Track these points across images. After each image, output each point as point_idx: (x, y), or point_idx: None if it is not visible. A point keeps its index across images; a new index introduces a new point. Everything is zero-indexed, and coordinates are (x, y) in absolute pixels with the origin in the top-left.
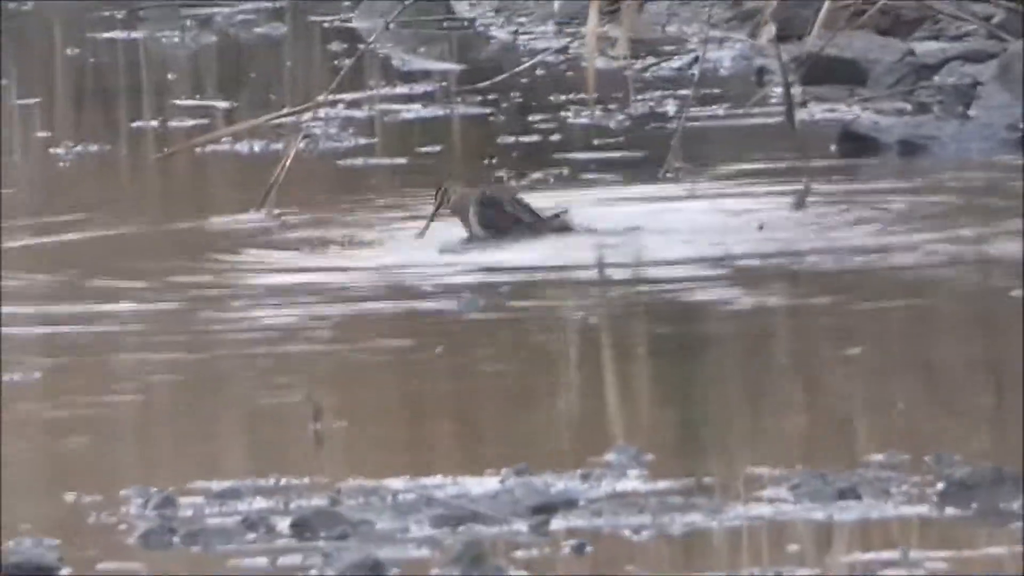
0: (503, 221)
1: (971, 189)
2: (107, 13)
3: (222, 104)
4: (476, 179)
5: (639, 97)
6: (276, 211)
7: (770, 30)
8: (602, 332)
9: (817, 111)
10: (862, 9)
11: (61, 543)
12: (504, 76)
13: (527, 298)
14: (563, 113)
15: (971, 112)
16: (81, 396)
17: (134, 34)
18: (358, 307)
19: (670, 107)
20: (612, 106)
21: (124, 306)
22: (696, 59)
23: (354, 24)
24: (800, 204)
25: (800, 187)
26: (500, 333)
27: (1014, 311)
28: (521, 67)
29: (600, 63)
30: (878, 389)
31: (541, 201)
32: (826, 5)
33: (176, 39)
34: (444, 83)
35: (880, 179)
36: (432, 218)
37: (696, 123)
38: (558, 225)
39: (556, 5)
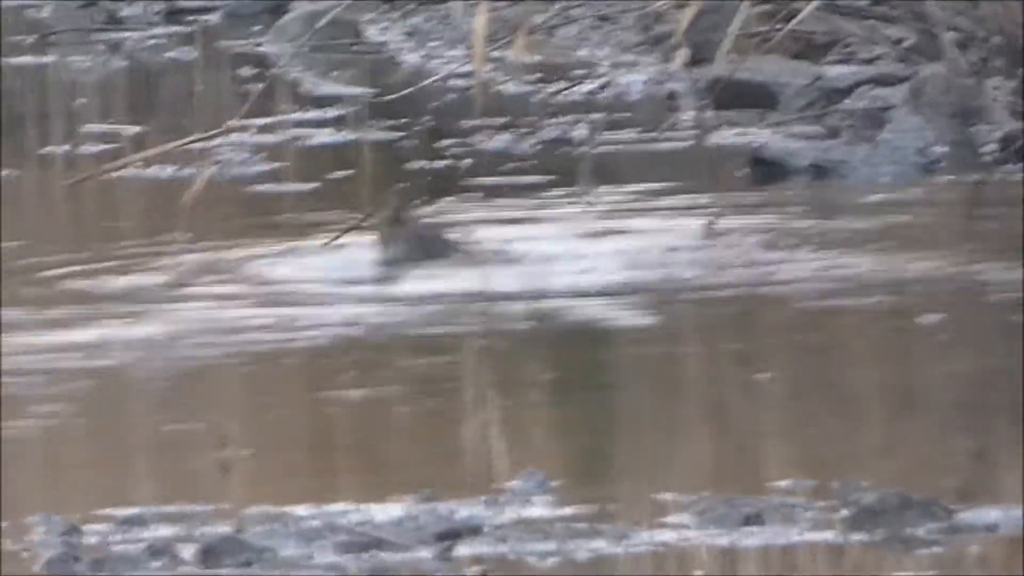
0: (412, 244)
1: (880, 212)
2: (16, 38)
3: (132, 129)
4: (390, 202)
5: (550, 121)
6: (187, 235)
7: (685, 54)
8: (507, 359)
9: (728, 135)
10: (772, 34)
11: None
12: (410, 90)
13: (432, 324)
14: (473, 138)
15: (882, 135)
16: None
17: (44, 59)
18: (262, 333)
19: (581, 131)
20: (523, 130)
21: (28, 334)
22: (607, 83)
23: (264, 48)
24: (711, 229)
25: (711, 212)
26: (405, 359)
27: (921, 336)
28: (427, 81)
29: (512, 87)
30: (785, 415)
31: (451, 226)
32: (733, 30)
33: (86, 64)
34: (355, 107)
35: (790, 203)
36: (349, 229)
37: (607, 147)
38: (467, 250)
39: (466, 29)
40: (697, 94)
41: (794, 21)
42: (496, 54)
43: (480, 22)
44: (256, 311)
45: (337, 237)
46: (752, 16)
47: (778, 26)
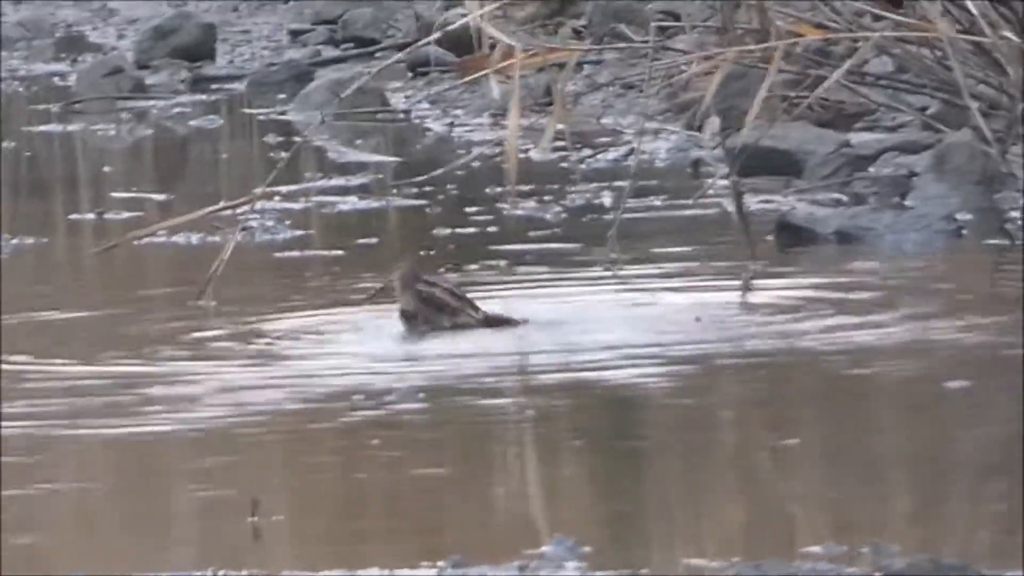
0: (436, 310)
1: (907, 279)
2: (42, 106)
3: (159, 197)
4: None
5: (575, 189)
6: (213, 303)
7: (714, 123)
8: (538, 424)
9: (753, 202)
10: (799, 101)
11: None
12: (440, 172)
13: (462, 391)
14: (499, 205)
15: (907, 203)
16: (14, 487)
17: (70, 127)
18: (293, 397)
19: (606, 199)
20: (548, 198)
21: (57, 394)
22: (632, 151)
23: (289, 116)
24: (745, 292)
25: (744, 277)
26: (436, 425)
27: (950, 402)
28: (457, 163)
29: (536, 156)
30: (815, 479)
31: (478, 292)
32: (759, 97)
33: (112, 132)
34: (380, 175)
35: (817, 269)
36: (371, 297)
37: (633, 215)
38: (494, 317)
39: (494, 95)
40: (723, 161)
41: (819, 89)
42: (523, 121)
43: (515, 100)
44: (285, 376)
45: (364, 302)
46: (779, 83)
47: (804, 94)
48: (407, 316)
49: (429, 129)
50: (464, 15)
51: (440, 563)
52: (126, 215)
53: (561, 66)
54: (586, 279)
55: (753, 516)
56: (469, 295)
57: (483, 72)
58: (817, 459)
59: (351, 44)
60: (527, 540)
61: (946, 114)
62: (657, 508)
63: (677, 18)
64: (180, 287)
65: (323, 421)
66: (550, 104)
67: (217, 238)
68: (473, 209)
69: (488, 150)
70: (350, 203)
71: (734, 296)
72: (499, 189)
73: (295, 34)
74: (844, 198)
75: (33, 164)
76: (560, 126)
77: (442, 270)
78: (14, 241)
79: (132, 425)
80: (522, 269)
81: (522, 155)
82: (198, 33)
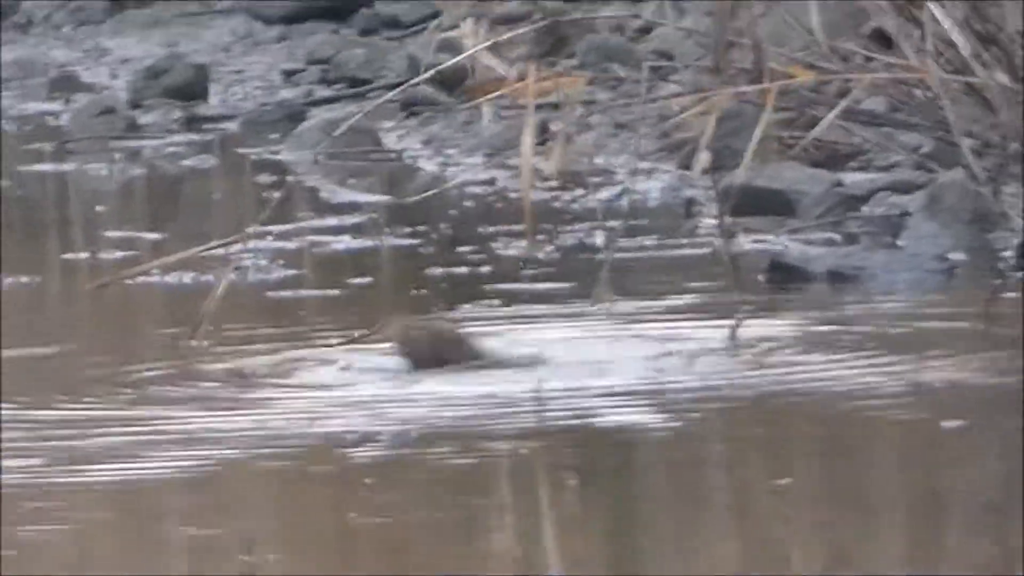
0: (429, 350)
1: (899, 320)
2: (35, 146)
3: (151, 236)
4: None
5: (567, 228)
6: (205, 342)
7: (705, 159)
8: (533, 464)
9: (746, 242)
10: (793, 142)
11: None
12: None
13: (454, 429)
14: (492, 244)
15: (900, 242)
16: (6, 529)
17: (63, 166)
18: (285, 437)
19: (598, 238)
20: (541, 237)
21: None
22: (624, 190)
23: (282, 156)
24: (735, 335)
25: (734, 319)
26: (430, 467)
27: (945, 441)
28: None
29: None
30: (807, 520)
31: (470, 331)
32: (755, 139)
33: (104, 172)
34: (373, 215)
35: (809, 309)
36: (374, 330)
37: (625, 254)
38: (486, 356)
39: (484, 136)
40: (715, 201)
41: (815, 131)
42: (511, 161)
43: (527, 137)
44: (277, 415)
45: (354, 341)
46: (772, 123)
47: (797, 134)
48: (404, 355)
49: (421, 169)
50: (455, 57)
51: None
52: (119, 254)
53: (555, 106)
54: (579, 318)
55: (748, 554)
56: (463, 334)
57: (492, 96)
58: (813, 498)
59: (344, 84)
60: None
61: (939, 153)
62: (653, 547)
63: (670, 58)
64: (173, 327)
65: (315, 460)
66: (544, 143)
67: (210, 277)
68: (466, 248)
69: (480, 189)
70: (343, 242)
71: (724, 335)
72: (492, 228)
73: (288, 74)
74: (837, 238)
75: (26, 203)
76: (554, 167)
77: (432, 311)
78: (8, 280)
79: (122, 466)
80: (515, 308)
81: (514, 195)
82: (191, 73)
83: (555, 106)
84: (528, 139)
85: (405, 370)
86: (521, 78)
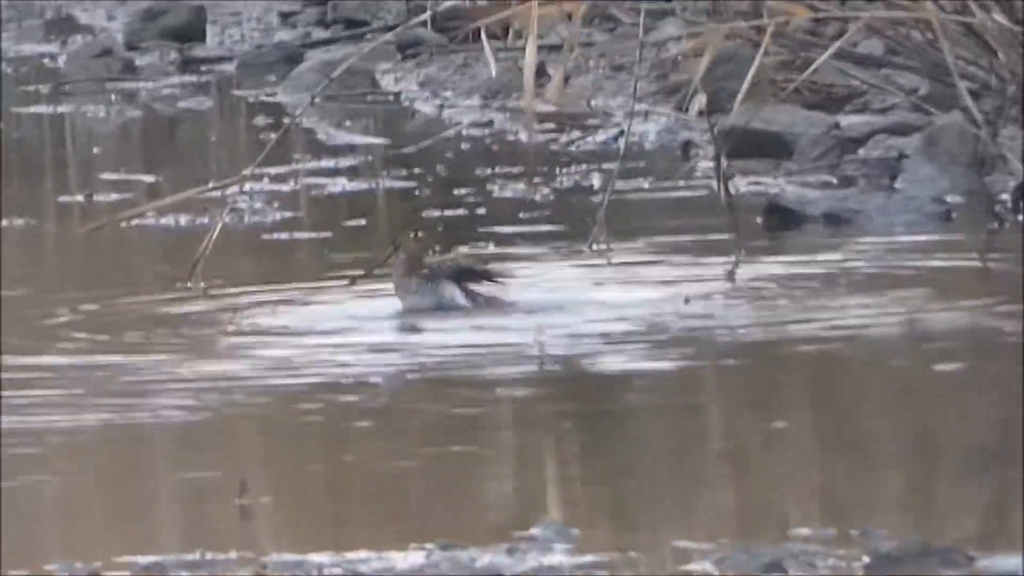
0: (427, 292)
1: (897, 263)
2: (32, 88)
3: (148, 178)
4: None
5: (564, 171)
6: (201, 285)
7: (701, 101)
8: (527, 407)
9: (743, 184)
10: (788, 84)
11: None
12: (428, 142)
13: (453, 373)
14: (488, 187)
15: (897, 185)
16: (4, 471)
17: (59, 109)
18: (282, 380)
19: (595, 180)
20: (537, 179)
21: (46, 376)
22: (621, 133)
23: (279, 98)
24: (730, 278)
25: (729, 261)
26: (426, 408)
27: (939, 384)
28: (443, 135)
29: (524, 138)
30: (804, 463)
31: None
32: (749, 77)
33: (101, 114)
34: (369, 157)
35: (806, 251)
36: (373, 270)
37: (622, 196)
38: (482, 298)
39: (481, 78)
40: (712, 143)
41: (808, 71)
42: (511, 104)
43: (530, 51)
44: (275, 359)
45: (352, 283)
46: (768, 65)
47: (794, 76)
48: (403, 297)
49: (418, 111)
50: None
51: (429, 545)
52: (115, 197)
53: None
54: (574, 261)
55: (742, 498)
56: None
57: (496, 16)
58: (806, 442)
59: (341, 26)
60: (517, 522)
61: (936, 96)
62: (646, 490)
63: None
64: (167, 267)
65: (312, 404)
66: (541, 87)
67: (205, 220)
68: (462, 191)
69: (477, 131)
70: (339, 184)
71: (722, 277)
72: (488, 170)
73: (285, 16)
74: (834, 180)
75: (22, 146)
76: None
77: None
78: (3, 223)
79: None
80: (511, 251)
81: (511, 138)
82: (188, 14)
83: (553, 48)
84: (531, 51)
85: (402, 313)
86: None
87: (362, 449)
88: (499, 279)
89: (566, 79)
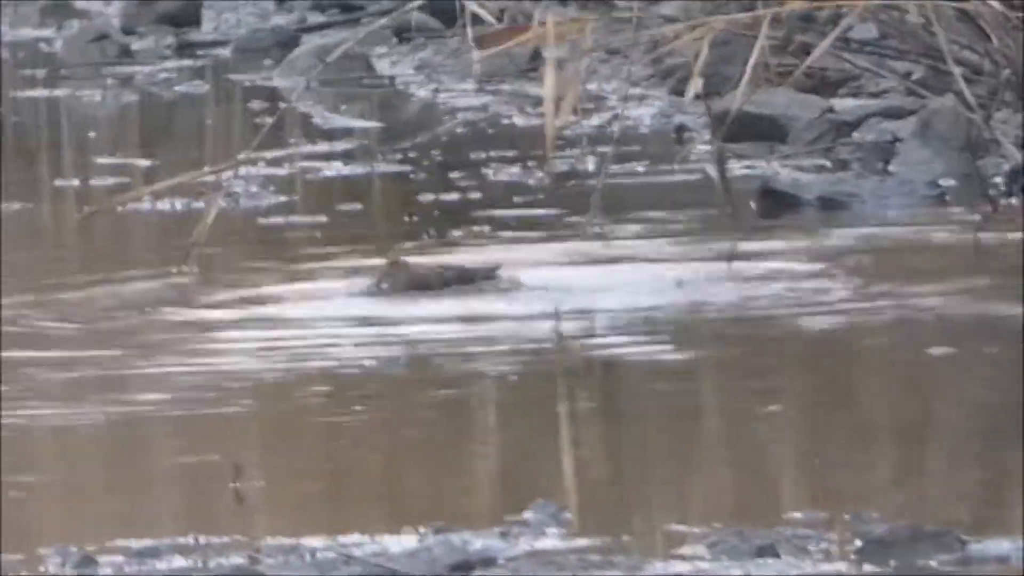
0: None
1: (890, 246)
2: (28, 72)
3: (143, 162)
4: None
5: (559, 154)
6: (196, 269)
7: (697, 84)
8: (521, 390)
9: (737, 167)
10: (787, 69)
11: None
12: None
13: (446, 356)
14: (483, 171)
15: (891, 168)
16: None
17: (55, 92)
18: (276, 364)
19: (590, 164)
20: (531, 163)
21: (41, 363)
22: (615, 116)
23: (275, 82)
24: (731, 259)
25: (728, 244)
26: (419, 391)
27: (932, 368)
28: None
29: (519, 120)
30: (796, 447)
31: (465, 257)
32: (751, 66)
33: (97, 98)
34: (365, 141)
35: (800, 235)
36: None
37: (616, 180)
38: (482, 278)
39: (476, 64)
40: (708, 127)
41: (809, 59)
42: (505, 87)
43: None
44: (267, 342)
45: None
46: (764, 49)
47: (790, 60)
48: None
49: (414, 95)
50: None
51: (422, 529)
52: (111, 181)
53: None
54: (569, 244)
55: (735, 482)
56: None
57: (509, 44)
58: (799, 426)
59: (337, 10)
60: (510, 505)
61: (930, 80)
62: (639, 474)
63: None
64: (164, 252)
65: (305, 386)
66: (534, 70)
67: (201, 204)
68: (457, 175)
69: (472, 115)
70: (335, 168)
71: (717, 261)
72: (483, 154)
73: (281, 0)
74: (828, 164)
75: (18, 130)
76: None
77: (424, 238)
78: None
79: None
80: (506, 234)
81: (505, 121)
82: None
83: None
84: (551, 80)
85: (395, 296)
86: (527, 29)
87: (356, 432)
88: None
89: (559, 63)
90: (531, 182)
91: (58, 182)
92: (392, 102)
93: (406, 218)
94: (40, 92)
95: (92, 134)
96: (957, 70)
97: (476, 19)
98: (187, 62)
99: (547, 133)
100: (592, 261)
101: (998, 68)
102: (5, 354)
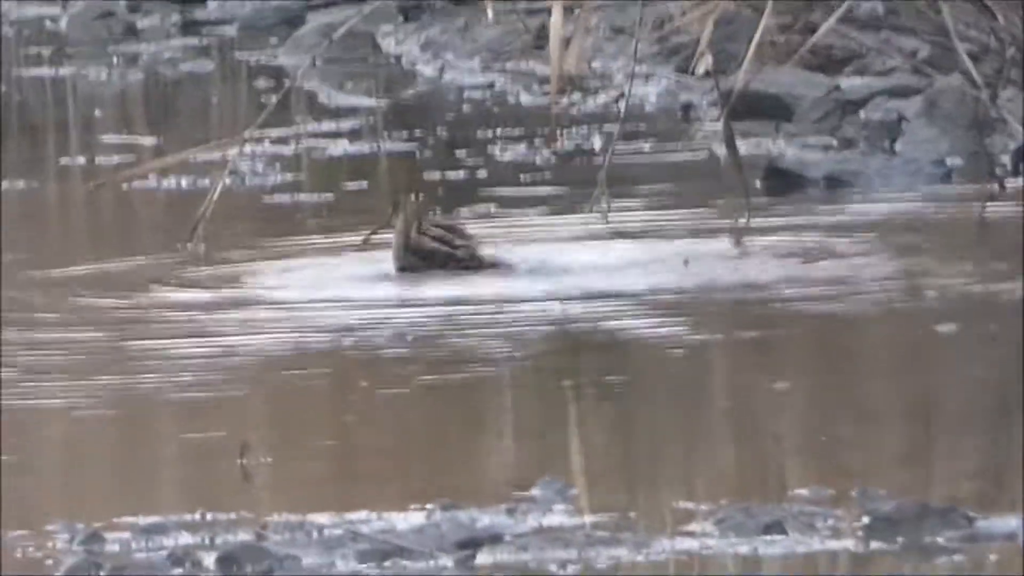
0: (428, 253)
1: (896, 225)
2: (34, 50)
3: (149, 140)
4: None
5: (565, 133)
6: (202, 246)
7: (708, 60)
8: (528, 367)
9: (743, 146)
10: (789, 46)
11: None
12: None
13: (453, 333)
14: (489, 149)
15: (897, 147)
16: (6, 431)
17: (61, 71)
18: (284, 341)
19: (596, 142)
20: (538, 142)
21: (48, 339)
22: (622, 94)
23: (280, 61)
24: (739, 240)
25: (737, 223)
26: (426, 368)
27: (939, 346)
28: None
29: (525, 99)
30: (803, 424)
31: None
32: (756, 40)
33: (103, 76)
34: (371, 119)
35: (805, 214)
36: (376, 231)
37: (622, 158)
38: (485, 259)
39: (483, 40)
40: (716, 104)
41: (815, 37)
42: (510, 65)
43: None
44: (274, 319)
45: (365, 242)
46: (769, 27)
47: (795, 37)
48: (404, 258)
49: (419, 73)
50: None
51: (429, 505)
52: (116, 159)
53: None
54: (575, 223)
55: (742, 459)
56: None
57: None
58: (806, 403)
59: None
60: (517, 482)
61: (937, 58)
62: (646, 451)
63: None
64: (170, 230)
65: (316, 364)
66: (541, 48)
67: (207, 182)
68: (463, 153)
69: (478, 94)
70: (340, 147)
71: (724, 239)
72: (489, 133)
73: None
74: (834, 142)
75: (24, 108)
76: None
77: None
78: (4, 185)
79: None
80: (512, 211)
81: (512, 100)
82: None
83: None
84: (557, 26)
85: (403, 273)
86: None
87: (363, 409)
88: (482, 267)
89: (565, 42)
90: (537, 160)
91: (63, 160)
92: (397, 80)
93: (413, 197)
94: (46, 71)
95: (98, 112)
96: (963, 49)
97: None
98: (192, 40)
99: (553, 72)
100: (598, 238)
101: (1004, 47)
102: (6, 334)
